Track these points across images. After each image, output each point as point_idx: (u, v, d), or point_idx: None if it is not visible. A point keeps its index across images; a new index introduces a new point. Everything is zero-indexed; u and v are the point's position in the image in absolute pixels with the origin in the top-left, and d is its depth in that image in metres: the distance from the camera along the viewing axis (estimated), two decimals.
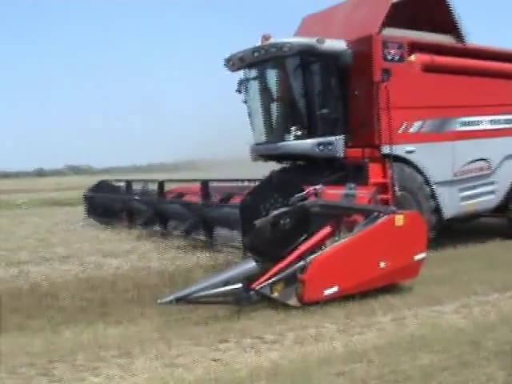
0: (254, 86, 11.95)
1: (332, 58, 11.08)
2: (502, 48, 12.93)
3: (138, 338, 6.28)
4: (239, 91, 12.25)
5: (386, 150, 10.84)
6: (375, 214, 7.99)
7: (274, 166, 12.96)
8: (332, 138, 10.83)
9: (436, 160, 11.49)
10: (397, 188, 10.51)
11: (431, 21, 12.27)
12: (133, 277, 8.40)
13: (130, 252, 9.98)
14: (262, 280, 7.24)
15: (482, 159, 12.25)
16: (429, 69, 11.54)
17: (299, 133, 11.16)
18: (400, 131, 11.11)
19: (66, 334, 6.50)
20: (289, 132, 11.24)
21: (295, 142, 11.18)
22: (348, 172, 10.73)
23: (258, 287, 7.18)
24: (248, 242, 7.90)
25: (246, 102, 12.14)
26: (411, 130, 11.27)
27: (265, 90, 11.80)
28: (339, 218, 8.02)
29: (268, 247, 7.70)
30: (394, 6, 12.41)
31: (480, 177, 12.28)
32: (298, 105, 11.29)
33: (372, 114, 10.80)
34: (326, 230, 7.79)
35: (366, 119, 10.91)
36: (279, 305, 7.33)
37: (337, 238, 7.76)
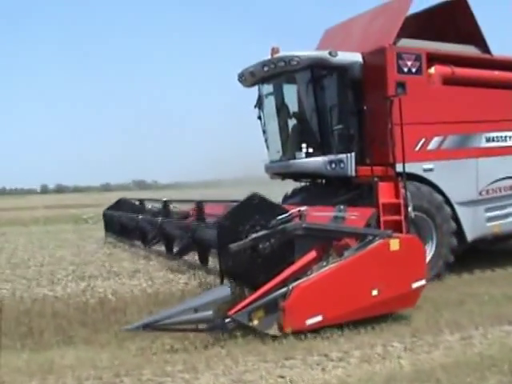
0: (267, 101, 11.53)
1: (346, 71, 10.56)
2: None
3: (205, 353, 6.31)
4: (257, 106, 11.84)
5: (400, 168, 10.17)
6: (369, 237, 7.38)
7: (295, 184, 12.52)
8: (343, 156, 10.26)
9: (458, 178, 10.76)
10: (410, 209, 9.82)
11: (456, 32, 11.63)
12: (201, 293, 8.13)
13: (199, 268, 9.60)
14: (239, 307, 6.78)
15: (511, 177, 11.42)
16: (450, 81, 10.86)
17: (310, 150, 10.64)
18: (417, 148, 10.45)
19: (132, 349, 6.53)
20: (300, 149, 10.73)
21: (306, 159, 10.66)
22: (361, 192, 10.18)
23: (234, 315, 6.72)
24: (224, 266, 7.44)
25: (260, 118, 11.67)
26: (430, 147, 10.58)
27: (277, 105, 11.36)
28: (328, 241, 7.47)
29: (246, 272, 7.27)
30: (416, 17, 11.91)
31: (510, 196, 11.44)
32: (309, 121, 10.82)
33: (386, 130, 10.17)
34: (312, 254, 7.28)
35: (379, 136, 10.31)
36: (344, 322, 7.19)
37: (324, 264, 7.20)
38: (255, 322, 6.80)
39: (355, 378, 5.51)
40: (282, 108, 11.27)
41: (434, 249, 10.36)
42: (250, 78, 11.19)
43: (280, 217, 7.47)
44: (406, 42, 10.69)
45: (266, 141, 11.74)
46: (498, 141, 11.32)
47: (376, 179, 9.89)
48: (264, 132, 11.70)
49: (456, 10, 11.45)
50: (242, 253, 7.24)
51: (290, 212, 7.63)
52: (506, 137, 11.41)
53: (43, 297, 8.08)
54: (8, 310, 7.48)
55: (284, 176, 11.82)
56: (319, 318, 6.81)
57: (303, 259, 7.26)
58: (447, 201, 10.61)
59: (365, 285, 7.08)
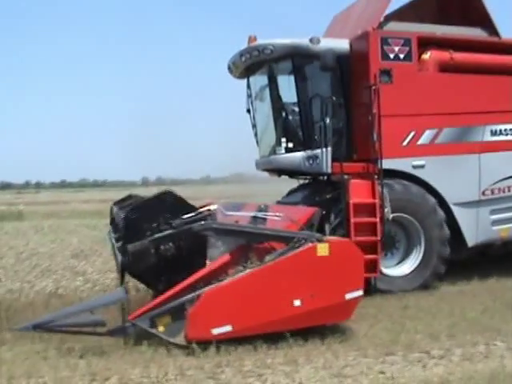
0: (253, 93, 10.79)
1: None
2: None
3: (305, 346, 6.25)
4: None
5: (385, 164, 9.20)
6: (301, 241, 6.55)
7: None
8: (318, 152, 9.37)
9: (455, 176, 9.63)
10: (387, 210, 8.84)
11: (464, 14, 10.44)
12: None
13: None
14: (140, 312, 6.25)
15: None
16: (448, 68, 9.72)
17: (290, 145, 9.84)
18: (405, 143, 9.42)
19: (235, 342, 6.28)
20: (280, 144, 9.96)
21: (285, 155, 9.89)
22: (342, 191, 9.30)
23: (135, 319, 6.19)
24: (125, 265, 6.88)
25: (248, 111, 10.94)
26: (421, 141, 9.50)
27: (262, 97, 10.58)
28: (247, 244, 6.75)
29: (149, 274, 6.83)
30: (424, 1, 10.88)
31: None
32: (290, 114, 10.02)
33: (368, 122, 9.22)
34: (225, 258, 6.61)
35: (363, 129, 9.38)
36: (446, 318, 7.31)
37: (241, 268, 6.49)
38: (160, 329, 6.28)
39: (456, 377, 5.38)
40: (266, 101, 10.48)
41: (420, 256, 9.34)
42: (234, 69, 10.52)
43: (186, 216, 6.83)
44: (396, 26, 9.68)
45: (255, 135, 10.99)
46: (506, 134, 10.00)
47: (347, 177, 9.00)
48: (253, 126, 10.95)
49: None
50: (143, 253, 6.71)
51: (200, 211, 6.98)
52: None
53: None
54: None
55: (278, 172, 11.02)
56: (228, 328, 6.13)
57: (215, 263, 6.62)
58: (442, 202, 9.52)
59: (285, 294, 6.28)
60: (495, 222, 9.98)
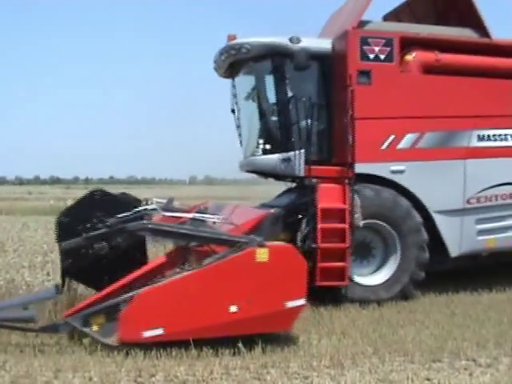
0: (237, 93, 10.54)
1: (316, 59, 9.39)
2: None
3: (351, 350, 6.27)
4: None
5: (362, 168, 8.85)
6: (241, 245, 6.31)
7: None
8: (292, 154, 9.08)
9: (438, 183, 9.18)
10: (358, 216, 8.48)
11: (456, 14, 10.02)
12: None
13: None
14: (74, 310, 6.23)
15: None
16: (433, 69, 9.27)
17: (268, 147, 9.59)
18: (383, 146, 9.03)
19: (279, 341, 6.48)
20: (257, 146, 9.72)
21: (262, 157, 9.66)
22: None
23: (69, 317, 6.16)
24: (65, 265, 6.93)
25: (233, 111, 10.70)
26: (401, 145, 9.09)
27: (244, 98, 10.33)
28: (186, 246, 6.68)
29: (85, 273, 6.80)
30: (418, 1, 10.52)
31: (510, 206, 9.60)
32: (268, 115, 9.74)
33: (345, 125, 8.89)
34: (160, 259, 6.59)
35: (340, 132, 9.05)
36: (494, 326, 7.29)
37: (178, 270, 6.38)
38: (94, 328, 6.21)
39: None
40: (248, 101, 10.23)
41: (397, 263, 8.92)
42: (218, 68, 10.31)
43: (121, 215, 6.73)
44: (377, 25, 9.33)
45: (239, 136, 10.74)
46: (494, 140, 9.48)
47: (315, 181, 8.68)
48: (237, 127, 10.70)
49: None
50: (76, 251, 6.67)
51: (136, 210, 6.85)
52: (505, 135, 9.54)
53: None
54: None
55: (256, 174, 10.77)
56: (159, 332, 5.97)
57: (151, 263, 6.62)
58: (421, 208, 9.10)
59: (220, 299, 6.09)
60: (481, 232, 9.48)
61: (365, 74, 8.94)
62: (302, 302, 6.27)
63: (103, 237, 6.73)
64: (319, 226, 8.37)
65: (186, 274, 6.21)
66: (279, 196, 11.11)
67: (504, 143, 9.55)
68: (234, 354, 6.01)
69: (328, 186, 8.67)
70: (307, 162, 8.98)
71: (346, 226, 8.41)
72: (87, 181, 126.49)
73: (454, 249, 9.34)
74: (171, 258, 6.80)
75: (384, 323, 7.49)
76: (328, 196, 8.58)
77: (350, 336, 6.82)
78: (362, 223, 8.52)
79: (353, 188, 8.56)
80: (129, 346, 5.96)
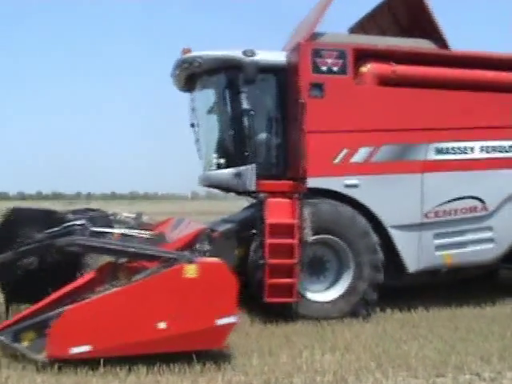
0: (196, 107, 10.41)
1: (271, 72, 9.29)
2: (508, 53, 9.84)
3: (355, 365, 6.27)
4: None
5: (314, 183, 8.71)
6: (171, 261, 6.29)
7: None
8: (243, 168, 8.97)
9: (394, 197, 8.98)
10: (307, 231, 8.32)
11: (415, 25, 9.86)
12: None
13: None
14: (3, 325, 6.21)
15: (472, 197, 9.36)
16: (389, 81, 9.09)
17: (222, 161, 9.48)
18: (336, 160, 8.86)
19: (283, 357, 6.55)
20: (212, 160, 9.63)
21: (216, 171, 9.55)
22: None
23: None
24: None
25: (192, 125, 10.57)
26: (355, 159, 8.90)
27: (202, 112, 10.21)
28: (116, 261, 6.63)
29: (16, 288, 6.83)
30: (381, 12, 10.38)
31: (470, 220, 9.37)
32: (222, 129, 9.66)
33: (297, 138, 8.77)
34: (92, 274, 6.52)
35: (293, 146, 8.93)
36: (497, 341, 7.27)
37: (108, 287, 6.34)
38: (25, 344, 6.13)
39: None
40: (205, 115, 10.13)
41: (349, 281, 8.72)
42: (175, 82, 10.20)
43: (50, 230, 6.73)
44: (331, 38, 9.17)
45: (198, 151, 10.61)
46: (453, 153, 9.27)
47: (263, 195, 8.54)
48: (196, 141, 10.58)
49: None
50: (6, 266, 6.65)
51: (66, 225, 6.83)
52: (465, 148, 9.34)
53: None
54: None
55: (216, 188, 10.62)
56: (87, 348, 5.88)
57: (82, 279, 6.56)
58: (378, 223, 8.92)
59: (149, 316, 6.00)
60: (440, 247, 9.25)
61: (317, 86, 8.78)
62: (232, 319, 6.16)
63: (32, 252, 6.70)
64: (267, 241, 8.22)
65: (114, 290, 6.16)
66: (242, 210, 10.99)
67: (463, 156, 9.32)
68: (237, 369, 6.06)
69: (277, 200, 8.53)
70: (258, 177, 8.87)
71: (295, 241, 8.25)
72: (89, 196, 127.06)
73: (412, 264, 9.13)
74: (102, 273, 6.72)
75: (387, 338, 7.46)
76: (277, 211, 8.42)
77: (353, 351, 6.82)
78: (311, 239, 8.36)
79: (302, 203, 8.40)
80: (60, 362, 5.87)
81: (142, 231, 7.36)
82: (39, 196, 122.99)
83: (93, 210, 9.82)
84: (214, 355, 6.24)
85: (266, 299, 8.21)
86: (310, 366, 6.22)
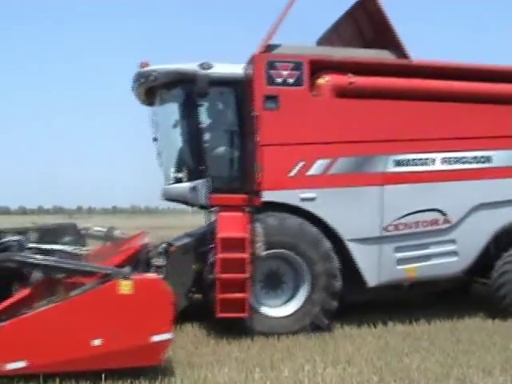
0: (155, 121, 10.31)
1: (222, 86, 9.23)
2: (470, 63, 9.65)
3: (357, 379, 6.26)
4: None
5: (269, 196, 8.59)
6: (107, 277, 6.18)
7: None
8: (197, 182, 8.90)
9: (352, 210, 8.84)
10: (259, 245, 8.18)
11: (376, 35, 9.74)
12: None
13: None
14: None
15: (433, 210, 9.18)
16: (347, 93, 8.96)
17: (180, 175, 9.40)
18: (292, 173, 8.72)
19: (285, 371, 6.52)
20: (170, 174, 9.56)
21: (174, 185, 9.48)
22: None
23: None
24: None
25: (155, 139, 10.47)
26: (311, 172, 8.75)
27: (162, 126, 10.12)
28: (54, 277, 6.49)
29: None
30: (346, 23, 10.29)
31: (432, 233, 9.18)
32: (179, 143, 9.59)
33: (251, 152, 8.67)
34: (27, 291, 6.41)
35: (249, 159, 8.82)
36: (500, 353, 7.26)
37: (45, 302, 6.23)
38: None
39: None
40: (165, 129, 10.03)
41: (306, 293, 8.55)
42: (136, 96, 10.15)
43: None
44: (287, 49, 9.06)
45: (160, 165, 10.48)
46: (413, 164, 9.11)
47: (214, 209, 8.44)
48: (158, 155, 10.46)
49: (368, 9, 9.55)
50: None
51: (1, 241, 6.87)
52: (425, 159, 9.18)
53: None
54: None
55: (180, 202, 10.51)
56: (22, 364, 5.85)
57: (18, 295, 6.42)
58: (335, 236, 8.76)
59: (84, 332, 5.95)
60: (401, 261, 9.06)
61: (272, 98, 8.68)
62: (168, 336, 6.08)
63: None
64: (218, 255, 8.09)
65: (50, 305, 6.09)
66: (206, 225, 10.90)
67: (424, 168, 9.15)
68: (239, 383, 6.11)
69: (229, 214, 8.42)
70: (216, 191, 8.78)
71: (246, 255, 8.11)
72: (90, 210, 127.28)
73: (372, 278, 8.95)
74: (40, 289, 6.61)
75: (389, 351, 7.41)
76: (229, 225, 8.31)
77: (355, 364, 6.79)
78: (263, 253, 8.22)
79: (253, 217, 8.28)
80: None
81: (84, 248, 7.25)
82: (40, 210, 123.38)
83: (61, 225, 9.82)
84: (213, 368, 6.44)
85: (218, 315, 8.08)
86: (312, 380, 6.20)
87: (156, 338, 6.02)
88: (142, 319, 6.03)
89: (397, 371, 6.48)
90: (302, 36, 11.01)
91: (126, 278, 6.08)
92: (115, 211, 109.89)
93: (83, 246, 8.18)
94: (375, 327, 8.84)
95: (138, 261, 7.78)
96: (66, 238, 7.93)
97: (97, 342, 5.90)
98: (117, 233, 11.05)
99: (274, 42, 9.08)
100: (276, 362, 6.89)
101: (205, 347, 7.73)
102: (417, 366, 6.69)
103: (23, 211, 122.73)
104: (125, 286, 6.01)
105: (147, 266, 8.87)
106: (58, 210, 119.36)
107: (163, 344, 6.08)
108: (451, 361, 6.91)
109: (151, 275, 6.52)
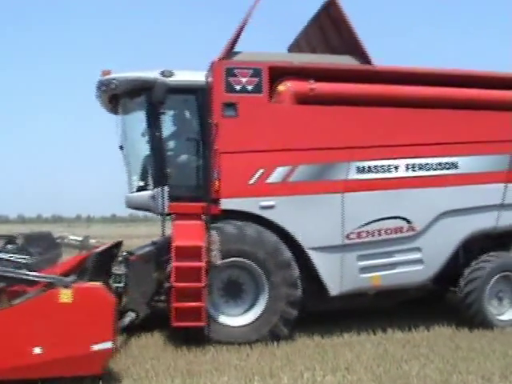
0: (121, 129, 10.25)
1: (190, 93, 9.19)
2: (432, 68, 9.55)
3: None
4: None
5: (228, 204, 8.51)
6: (49, 285, 6.19)
7: None
8: (156, 191, 8.87)
9: (312, 218, 8.72)
10: (215, 253, 8.09)
11: (339, 41, 9.65)
12: None
13: None
14: None
15: (397, 217, 9.04)
16: (308, 100, 8.85)
17: (142, 183, 9.37)
18: (252, 181, 8.62)
19: (284, 378, 6.53)
20: (132, 182, 9.52)
21: (136, 193, 9.46)
22: None
23: None
24: None
25: (121, 147, 10.36)
26: (271, 179, 8.64)
27: (126, 134, 10.06)
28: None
29: None
30: (313, 29, 10.22)
31: (396, 241, 9.03)
32: (141, 151, 9.56)
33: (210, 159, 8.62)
34: None
35: (208, 167, 8.75)
36: (499, 359, 7.24)
37: None
38: None
39: None
40: (129, 137, 9.98)
41: (265, 302, 8.44)
42: (101, 104, 10.09)
43: None
44: (247, 56, 8.99)
45: (127, 172, 10.39)
46: (376, 171, 8.97)
47: (169, 217, 8.38)
48: (125, 163, 10.36)
49: (332, 15, 9.46)
50: None
51: None
52: (388, 166, 9.05)
53: None
54: None
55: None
56: None
57: None
58: (294, 245, 8.66)
59: (25, 340, 5.96)
60: (364, 270, 8.91)
61: (230, 106, 8.61)
62: (108, 344, 6.05)
63: None
64: (173, 264, 8.02)
65: None
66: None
67: (387, 175, 9.01)
68: None
69: (185, 223, 8.36)
70: (177, 198, 8.74)
71: (202, 264, 8.02)
72: (89, 219, 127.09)
73: (334, 287, 8.83)
74: None
75: (388, 358, 7.37)
76: (184, 233, 8.24)
77: (354, 372, 6.76)
78: (220, 262, 8.13)
79: (209, 225, 8.21)
80: None
81: (26, 256, 7.22)
82: (39, 219, 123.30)
83: (36, 233, 9.83)
84: (212, 377, 6.48)
85: (174, 324, 8.00)
86: None
87: (96, 347, 6.00)
88: (83, 328, 6.01)
89: (396, 378, 6.48)
90: (275, 43, 10.96)
91: (66, 286, 6.06)
92: (114, 220, 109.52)
93: (58, 254, 8.12)
94: (374, 334, 8.80)
95: (85, 269, 7.70)
96: (14, 247, 7.84)
97: (37, 350, 5.91)
98: (92, 242, 11.04)
99: (237, 49, 9.07)
100: (275, 369, 6.86)
101: (204, 355, 7.68)
102: (416, 372, 6.68)
103: (22, 220, 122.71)
104: (64, 295, 6.00)
105: (107, 275, 8.86)
106: (57, 219, 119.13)
107: (104, 353, 6.05)
108: (451, 368, 6.89)
109: (93, 284, 6.44)
